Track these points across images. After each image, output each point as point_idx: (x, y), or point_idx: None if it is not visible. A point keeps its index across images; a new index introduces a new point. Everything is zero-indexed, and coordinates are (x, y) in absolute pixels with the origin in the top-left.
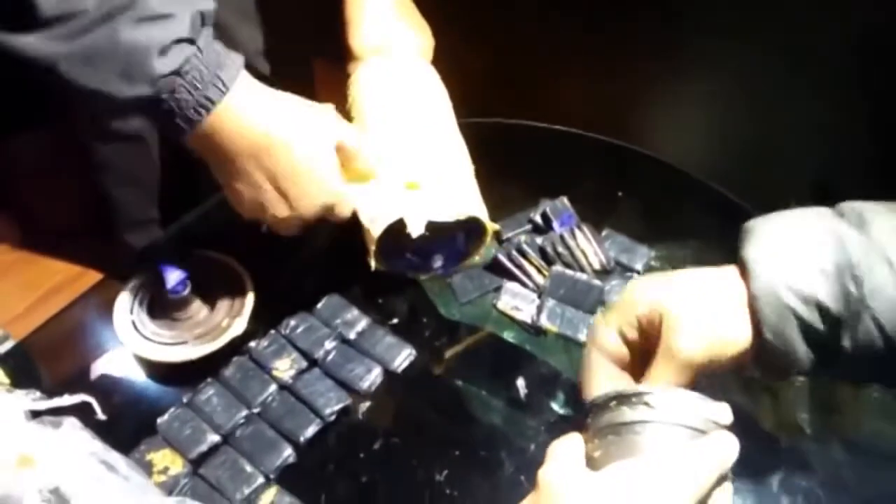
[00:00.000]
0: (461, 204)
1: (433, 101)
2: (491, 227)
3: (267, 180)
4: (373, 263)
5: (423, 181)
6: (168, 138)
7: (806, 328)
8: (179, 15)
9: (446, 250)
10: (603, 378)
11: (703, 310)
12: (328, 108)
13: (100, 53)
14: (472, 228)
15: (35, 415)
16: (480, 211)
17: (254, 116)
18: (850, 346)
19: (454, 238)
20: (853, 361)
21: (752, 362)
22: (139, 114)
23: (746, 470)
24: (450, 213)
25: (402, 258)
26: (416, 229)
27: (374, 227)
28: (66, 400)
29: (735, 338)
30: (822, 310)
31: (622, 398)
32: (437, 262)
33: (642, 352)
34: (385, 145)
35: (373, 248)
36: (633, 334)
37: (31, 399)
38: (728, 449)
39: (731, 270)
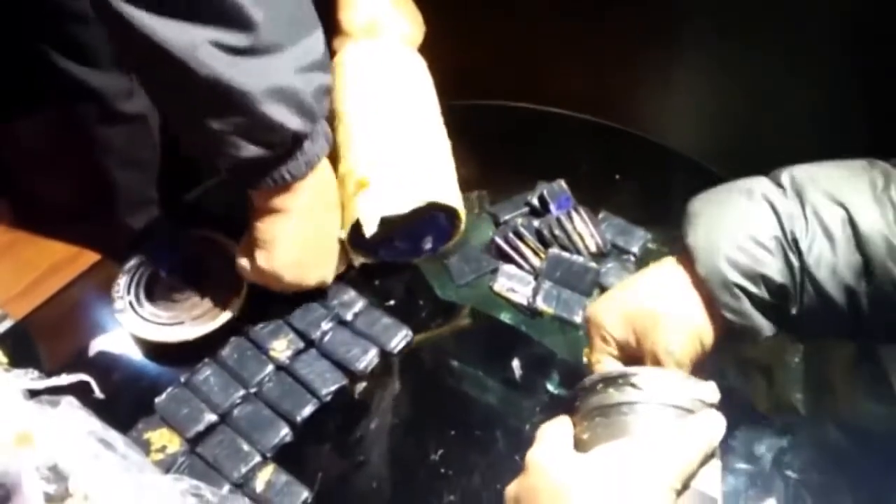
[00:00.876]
0: (417, 192)
1: (414, 86)
2: (456, 207)
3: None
4: (355, 260)
5: (374, 175)
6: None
7: (756, 301)
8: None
9: (433, 230)
10: None
11: (672, 306)
12: None
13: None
14: (447, 208)
15: (33, 394)
16: (440, 195)
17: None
18: (798, 311)
19: (435, 218)
20: (804, 323)
21: (724, 339)
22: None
23: (740, 450)
24: (403, 204)
25: (392, 246)
26: (370, 228)
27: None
28: (64, 379)
29: (705, 322)
30: (768, 282)
31: (608, 380)
32: (427, 244)
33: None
34: (351, 134)
35: (347, 245)
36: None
37: (29, 378)
38: (714, 427)
39: (671, 261)
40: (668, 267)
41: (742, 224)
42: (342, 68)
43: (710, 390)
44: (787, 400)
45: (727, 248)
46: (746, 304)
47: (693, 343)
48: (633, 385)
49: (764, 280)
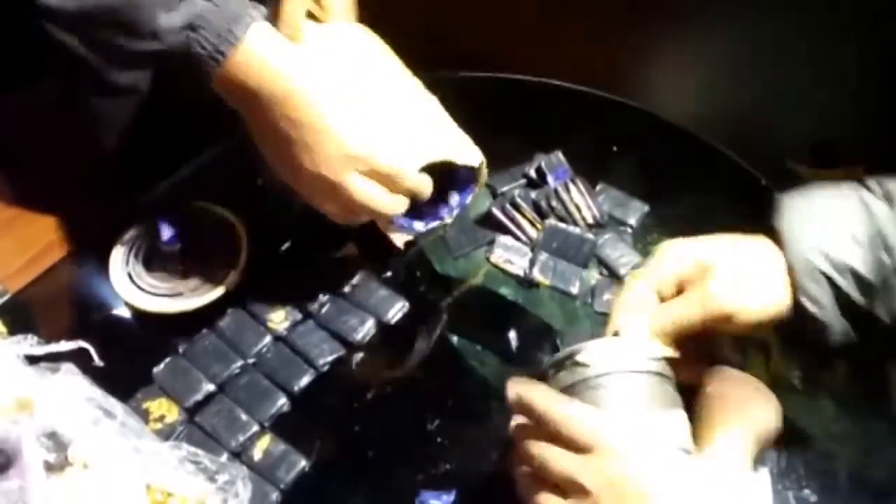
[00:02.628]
0: (433, 150)
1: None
2: (474, 156)
3: (292, 131)
4: (397, 241)
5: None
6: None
7: (841, 296)
8: None
9: (455, 186)
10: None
11: (742, 267)
12: None
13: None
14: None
15: (32, 361)
16: (456, 149)
17: (269, 66)
18: (885, 314)
19: (455, 173)
20: (889, 333)
21: (779, 329)
22: (157, 65)
23: None
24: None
25: (422, 213)
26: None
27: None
28: (63, 346)
29: (767, 301)
30: (857, 277)
31: (556, 364)
32: (454, 200)
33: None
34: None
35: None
36: (669, 292)
37: (28, 344)
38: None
39: (764, 239)
40: (759, 242)
41: (834, 217)
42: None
43: (658, 349)
44: (785, 377)
45: (817, 236)
46: (827, 296)
47: (737, 306)
48: (577, 363)
49: (853, 273)
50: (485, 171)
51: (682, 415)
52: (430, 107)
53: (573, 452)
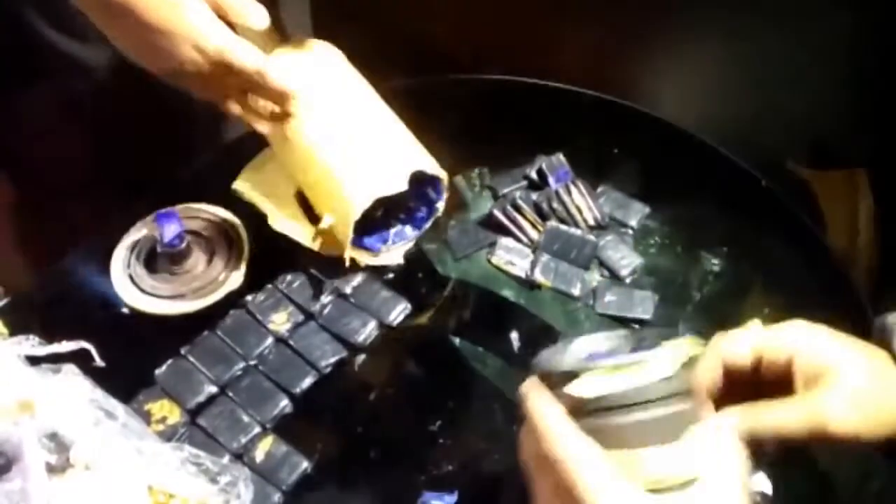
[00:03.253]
0: (398, 169)
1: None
2: (435, 172)
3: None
4: (360, 262)
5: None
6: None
7: None
8: None
9: (422, 202)
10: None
11: (866, 383)
12: None
13: None
14: (428, 177)
15: (33, 362)
16: (418, 163)
17: None
18: None
19: (421, 188)
20: None
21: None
22: None
23: None
24: (390, 185)
25: (388, 233)
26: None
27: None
28: (65, 346)
29: (885, 426)
30: None
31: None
32: (421, 214)
33: (741, 384)
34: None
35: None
36: (768, 357)
37: (29, 345)
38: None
39: (884, 353)
40: (881, 354)
41: None
42: None
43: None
44: None
45: None
46: None
47: (849, 429)
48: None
49: None
50: (445, 184)
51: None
52: (390, 119)
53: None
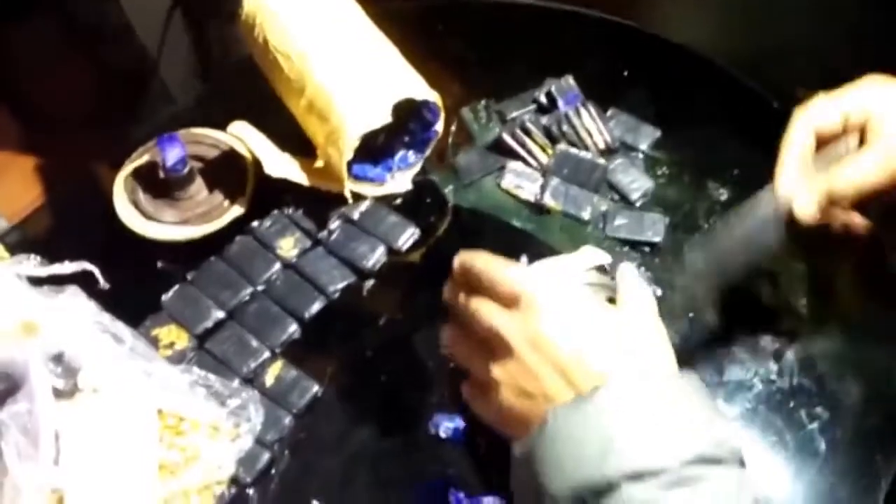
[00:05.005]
0: (390, 93)
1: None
2: (428, 96)
3: None
4: (348, 191)
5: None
6: None
7: None
8: None
9: (419, 126)
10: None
11: None
12: None
13: None
14: (418, 103)
15: (36, 285)
16: (410, 89)
17: None
18: None
19: (418, 112)
20: None
21: None
22: None
23: (746, 355)
24: (384, 110)
25: (391, 160)
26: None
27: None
28: (68, 267)
29: None
30: None
31: None
32: (422, 135)
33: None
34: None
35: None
36: (853, 120)
37: (30, 265)
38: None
39: None
40: None
41: None
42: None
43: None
44: (793, 305)
45: None
46: None
47: None
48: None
49: None
50: (440, 106)
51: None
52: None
53: (503, 308)
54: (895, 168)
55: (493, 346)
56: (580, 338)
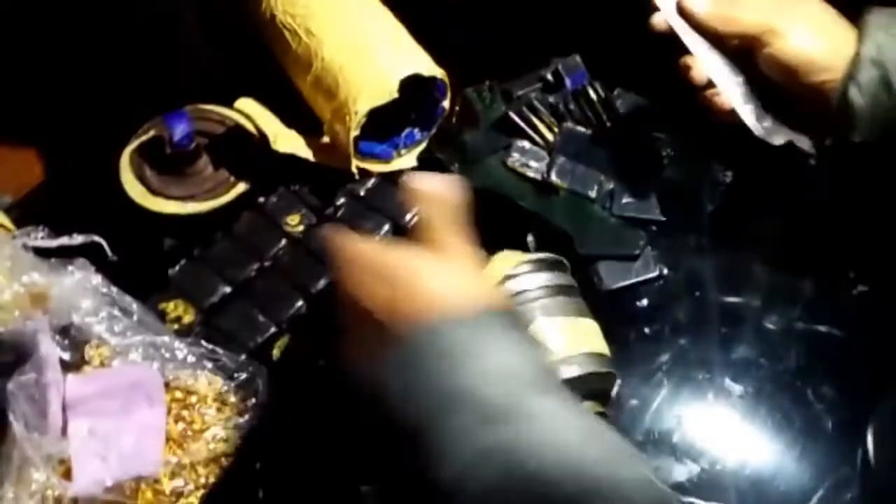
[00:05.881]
0: (396, 70)
1: None
2: (435, 73)
3: None
4: (354, 167)
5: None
6: None
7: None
8: None
9: (428, 100)
10: None
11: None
12: None
13: None
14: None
15: (44, 257)
16: (417, 65)
17: None
18: None
19: (424, 90)
20: None
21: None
22: None
23: (752, 334)
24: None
25: (395, 134)
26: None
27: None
28: (76, 239)
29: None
30: None
31: None
32: (427, 113)
33: None
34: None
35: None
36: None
37: (38, 237)
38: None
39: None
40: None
41: None
42: None
43: None
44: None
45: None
46: (873, 94)
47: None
48: None
49: None
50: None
51: None
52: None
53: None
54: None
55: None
56: (392, 289)
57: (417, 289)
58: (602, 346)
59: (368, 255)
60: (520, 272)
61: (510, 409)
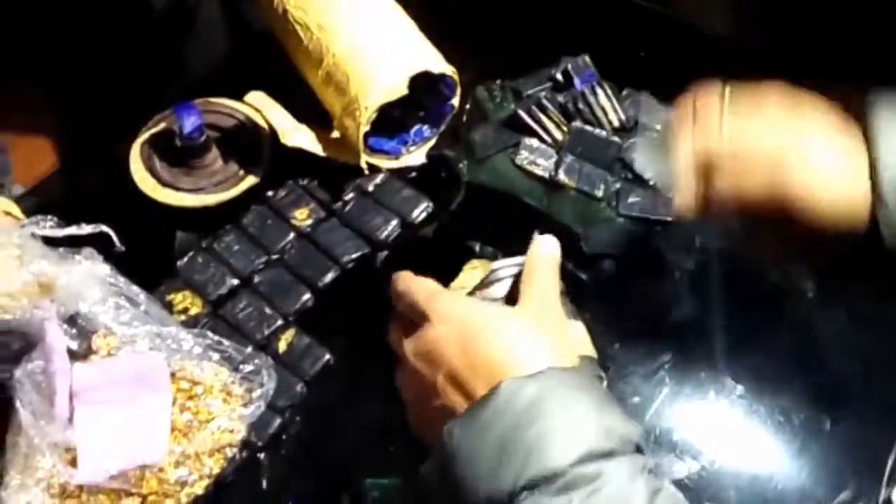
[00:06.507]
0: (406, 67)
1: None
2: (445, 70)
3: None
4: (364, 163)
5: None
6: None
7: None
8: None
9: (435, 100)
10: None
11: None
12: None
13: None
14: (434, 77)
15: (52, 246)
16: (426, 62)
17: None
18: None
19: (434, 87)
20: None
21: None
22: None
23: (749, 335)
24: (400, 81)
25: (404, 131)
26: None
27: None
28: (84, 229)
29: (841, 194)
30: None
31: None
32: (437, 110)
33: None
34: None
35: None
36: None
37: (47, 225)
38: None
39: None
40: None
41: None
42: None
43: None
44: (798, 285)
45: None
46: None
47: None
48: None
49: None
50: (457, 81)
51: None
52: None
53: (414, 327)
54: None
55: (401, 365)
56: (472, 346)
57: (496, 345)
58: (591, 350)
59: (457, 312)
60: (512, 274)
61: (577, 476)
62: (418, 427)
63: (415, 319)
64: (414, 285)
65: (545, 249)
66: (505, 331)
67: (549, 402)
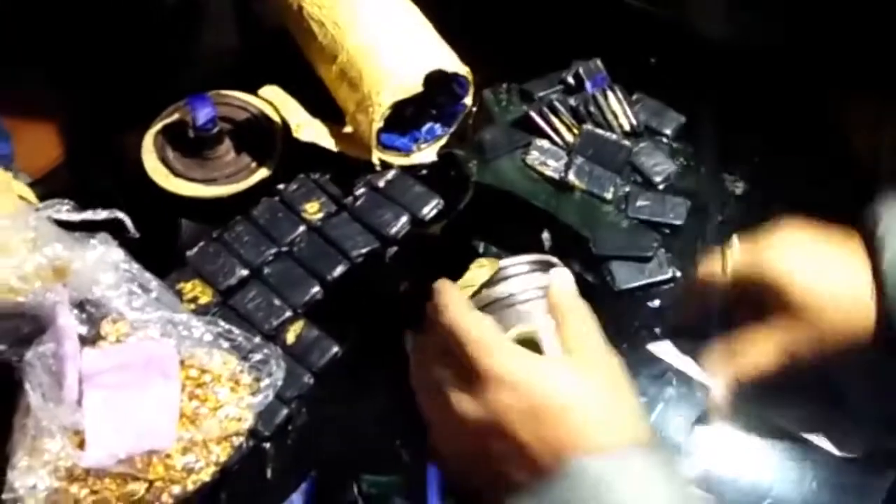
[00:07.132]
0: (421, 65)
1: None
2: (458, 69)
3: None
4: (394, 162)
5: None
6: None
7: None
8: None
9: (448, 99)
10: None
11: (826, 281)
12: None
13: None
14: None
15: (66, 229)
16: (440, 61)
17: None
18: None
19: (447, 85)
20: None
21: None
22: None
23: None
24: (416, 79)
25: (415, 128)
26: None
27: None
28: (98, 214)
29: (855, 322)
30: None
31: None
32: (450, 109)
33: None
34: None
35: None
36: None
37: (63, 209)
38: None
39: (851, 238)
40: (842, 243)
41: None
42: None
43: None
44: None
45: None
46: None
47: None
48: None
49: None
50: (470, 80)
51: None
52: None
53: (465, 378)
54: (792, 345)
55: (444, 410)
56: (540, 418)
57: (564, 418)
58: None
59: (520, 377)
60: (520, 272)
61: None
62: (454, 470)
63: (463, 364)
64: (464, 323)
65: (565, 287)
66: (576, 398)
67: (625, 487)
